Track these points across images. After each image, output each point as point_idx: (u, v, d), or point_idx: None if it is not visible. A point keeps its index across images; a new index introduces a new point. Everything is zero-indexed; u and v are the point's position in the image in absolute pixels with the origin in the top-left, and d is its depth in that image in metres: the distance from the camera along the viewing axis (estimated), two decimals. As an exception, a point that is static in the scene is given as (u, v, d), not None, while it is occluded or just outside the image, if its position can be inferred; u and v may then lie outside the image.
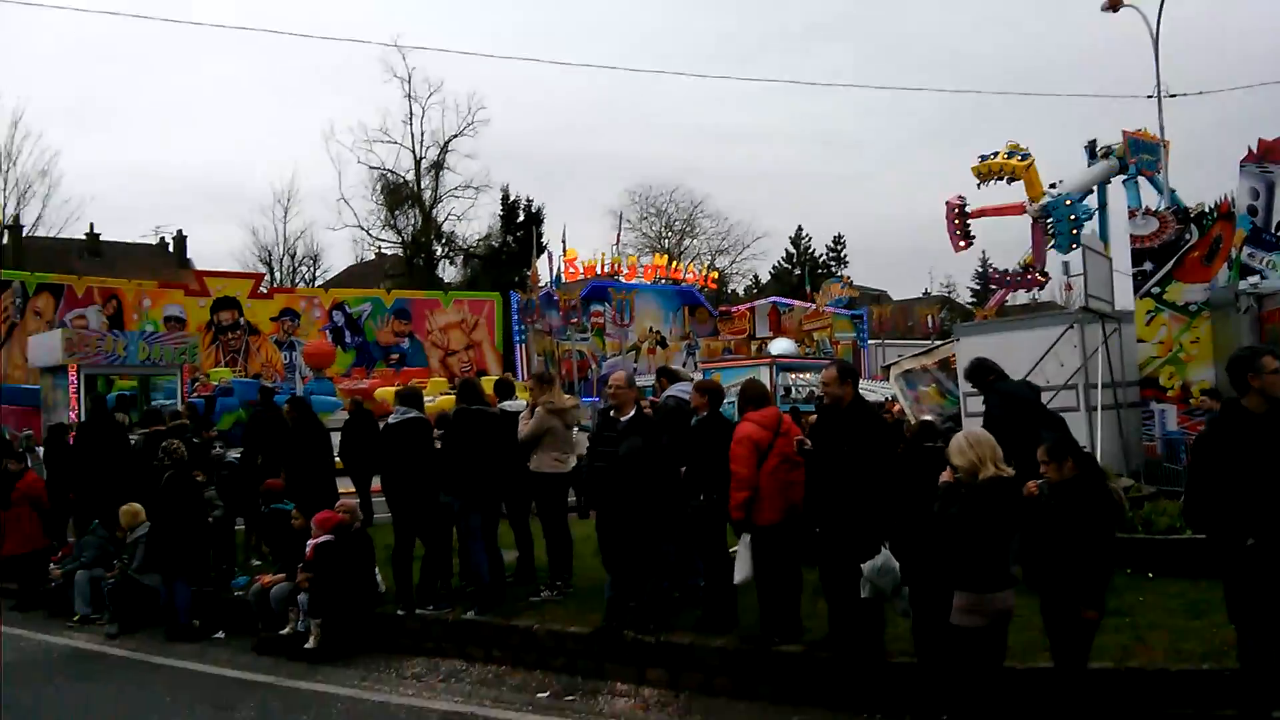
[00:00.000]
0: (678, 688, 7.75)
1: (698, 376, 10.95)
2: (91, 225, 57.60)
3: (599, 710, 7.53)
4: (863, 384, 8.34)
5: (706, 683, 7.67)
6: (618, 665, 8.12)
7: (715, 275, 45.46)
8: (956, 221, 24.64)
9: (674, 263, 43.25)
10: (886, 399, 18.87)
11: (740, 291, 61.12)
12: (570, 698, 7.84)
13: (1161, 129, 24.74)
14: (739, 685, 7.54)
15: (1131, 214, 15.16)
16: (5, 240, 44.93)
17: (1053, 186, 24.48)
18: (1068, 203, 23.01)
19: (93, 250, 56.51)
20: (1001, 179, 23.87)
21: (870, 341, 35.42)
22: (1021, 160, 23.66)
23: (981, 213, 25.13)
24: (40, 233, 47.32)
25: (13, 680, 9.44)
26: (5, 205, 45.58)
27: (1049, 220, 22.96)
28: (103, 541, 12.01)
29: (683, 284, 39.70)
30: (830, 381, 7.28)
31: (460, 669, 8.79)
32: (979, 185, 24.25)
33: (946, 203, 25.11)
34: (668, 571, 8.87)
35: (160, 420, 13.58)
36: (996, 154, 24.08)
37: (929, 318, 37.86)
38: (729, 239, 62.15)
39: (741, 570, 7.76)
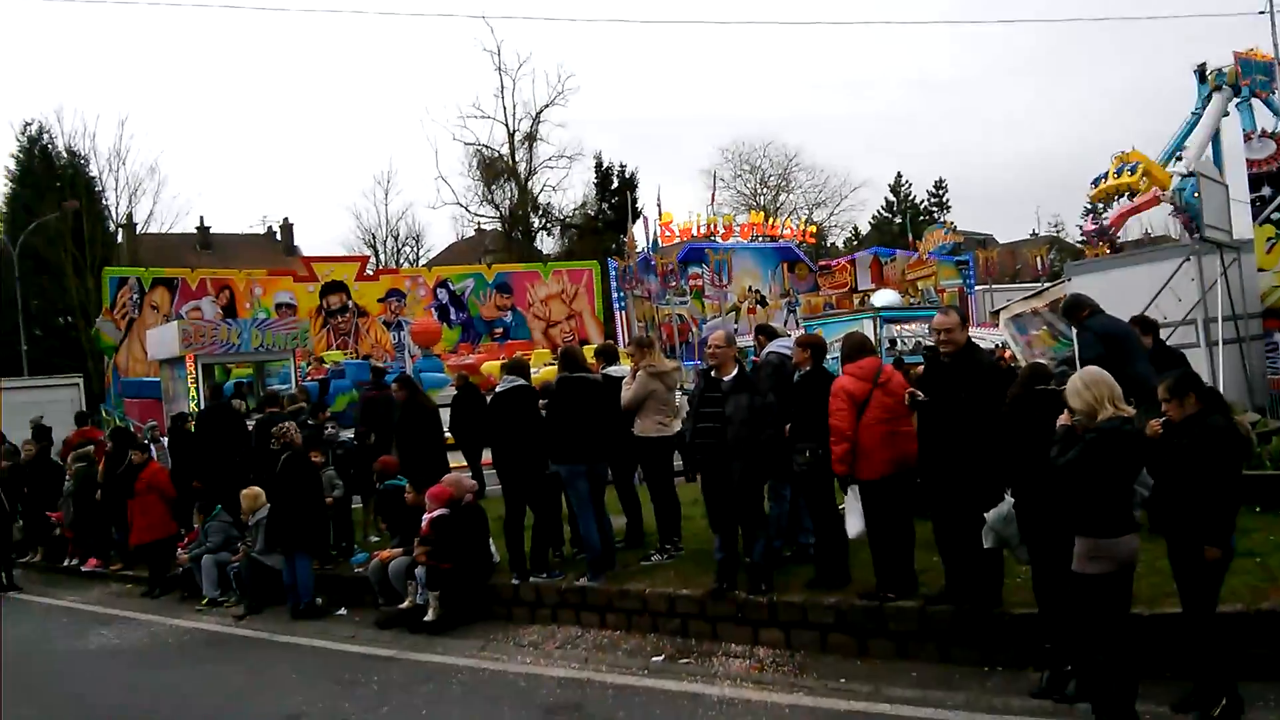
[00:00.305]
0: (792, 647, 7.65)
1: (798, 333, 10.76)
2: (201, 218, 59.46)
3: (714, 672, 7.48)
4: (972, 331, 8.04)
5: (821, 641, 7.56)
6: (731, 626, 8.05)
7: (813, 229, 44.79)
8: (1103, 244, 23.35)
9: (770, 219, 42.73)
10: (997, 345, 18.34)
11: (839, 244, 60.23)
12: (685, 660, 7.80)
13: (1276, 47, 23.38)
14: (854, 643, 7.41)
15: (1247, 137, 14.40)
16: (121, 238, 46.56)
17: (1177, 159, 23.21)
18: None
19: (204, 243, 58.31)
20: (1121, 196, 22.63)
21: (977, 287, 34.50)
22: (1132, 173, 22.30)
23: (1122, 219, 23.89)
24: (152, 229, 48.96)
25: (147, 663, 9.84)
26: (118, 204, 47.23)
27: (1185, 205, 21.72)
28: (226, 526, 12.37)
29: (780, 240, 39.21)
30: (954, 327, 7.03)
31: (575, 635, 8.82)
32: (1103, 210, 23.01)
33: (1083, 230, 23.92)
34: (777, 530, 8.76)
35: (278, 404, 13.92)
36: (1106, 175, 22.82)
37: (1038, 259, 36.58)
38: (825, 191, 61.21)
39: (854, 525, 7.61)
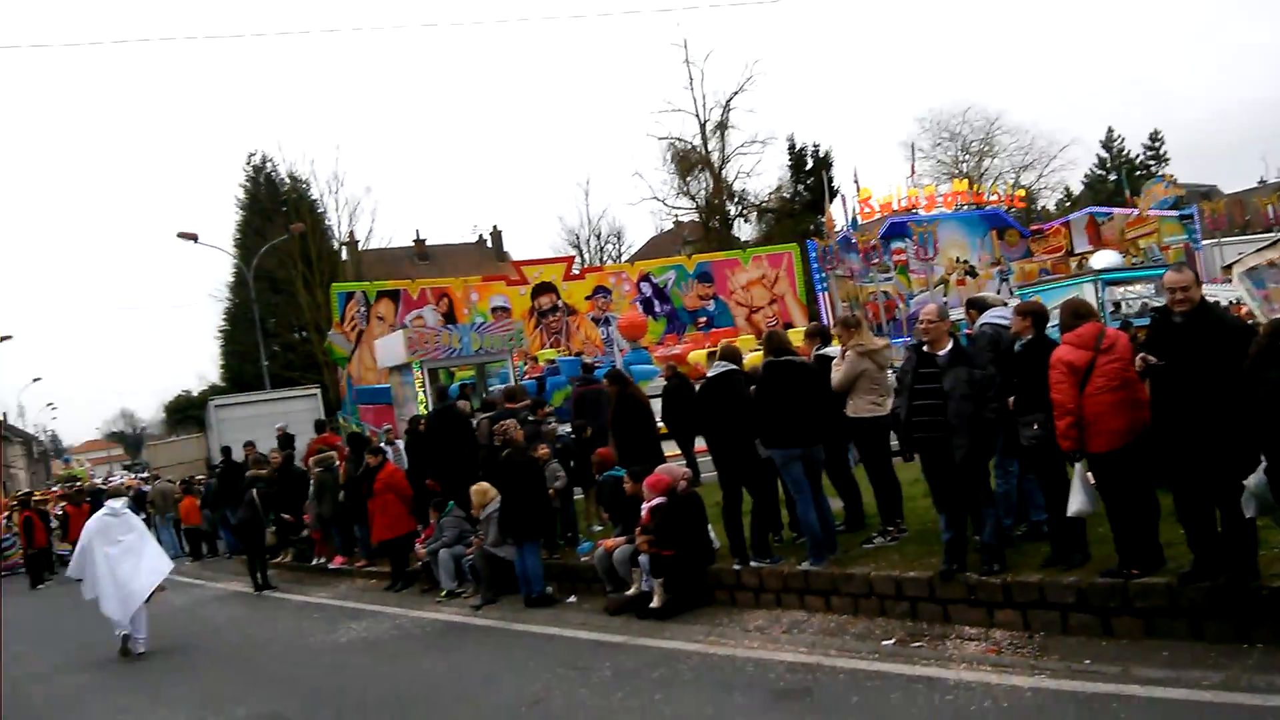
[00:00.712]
0: (1030, 628, 7.33)
1: (1014, 302, 10.29)
2: (417, 231, 62.05)
3: (948, 655, 7.26)
4: (1204, 288, 7.48)
5: (1062, 621, 7.21)
6: (963, 608, 7.79)
7: (1022, 193, 42.89)
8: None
9: (975, 186, 41.19)
10: (1232, 302, 17.10)
11: (1051, 207, 57.50)
12: (917, 644, 7.61)
13: None
14: (1098, 622, 7.04)
15: None
16: (344, 255, 49.24)
17: None
18: None
19: (421, 254, 60.95)
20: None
21: (1204, 241, 32.23)
22: None
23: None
24: (373, 244, 51.56)
25: (396, 653, 10.37)
26: (340, 223, 49.96)
27: None
28: (459, 521, 12.90)
29: (987, 207, 37.74)
30: (1189, 284, 6.59)
31: (801, 620, 8.75)
32: None
33: None
34: (1007, 507, 8.43)
35: (501, 404, 14.44)
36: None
37: (1269, 208, 33.86)
38: (1032, 153, 58.46)
39: (1075, 502, 7.24)
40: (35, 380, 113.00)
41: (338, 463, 15.77)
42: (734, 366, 9.91)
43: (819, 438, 9.51)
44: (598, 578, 10.88)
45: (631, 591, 10.21)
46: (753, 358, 13.77)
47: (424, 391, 19.66)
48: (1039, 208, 55.42)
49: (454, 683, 8.86)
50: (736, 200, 52.17)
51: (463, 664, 9.47)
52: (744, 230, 52.85)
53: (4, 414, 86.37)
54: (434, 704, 8.26)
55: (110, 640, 12.58)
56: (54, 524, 25.89)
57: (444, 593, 12.56)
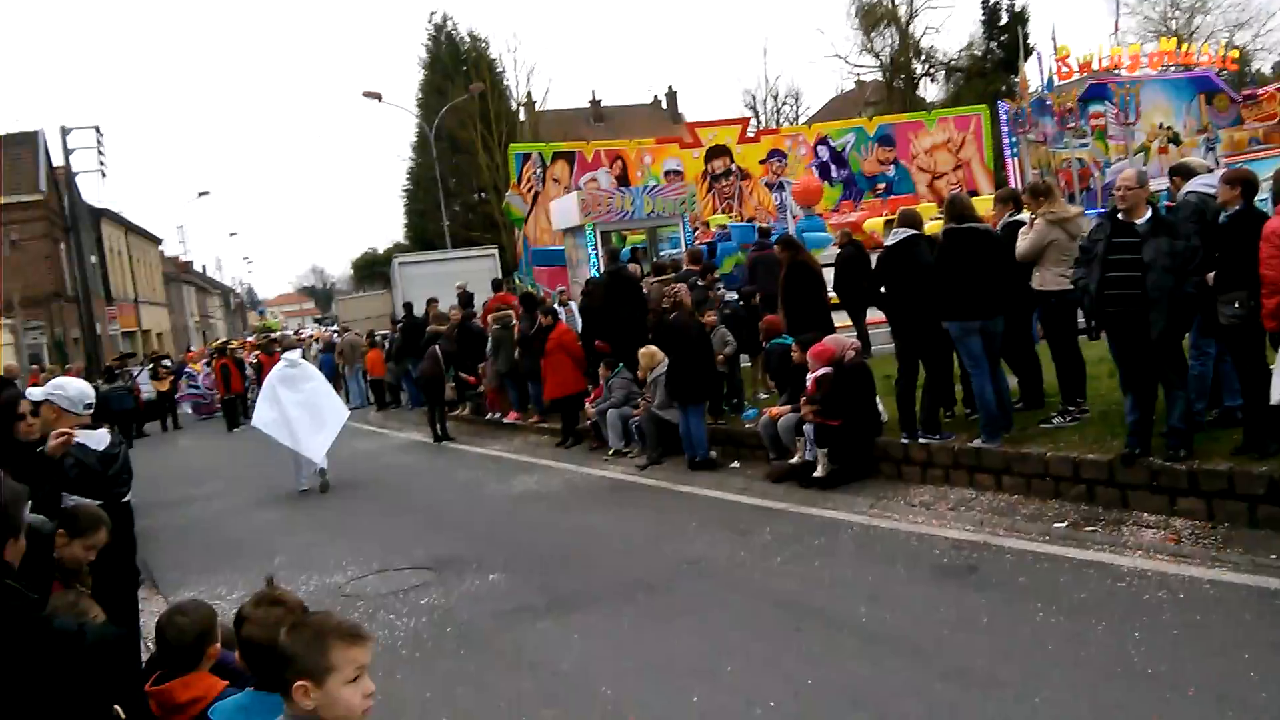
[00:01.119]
0: (1214, 519, 6.94)
1: (1220, 170, 9.48)
2: (593, 92, 61.81)
3: (1123, 542, 6.97)
4: None
5: (1249, 514, 6.79)
6: (1144, 495, 7.42)
7: (1235, 55, 39.40)
8: None
9: (1184, 46, 38.03)
10: None
11: (1266, 70, 52.73)
12: (1090, 528, 7.33)
13: None
14: (1292, 515, 6.61)
15: None
16: (522, 116, 49.55)
17: None
18: None
19: (597, 116, 60.82)
20: None
21: None
22: None
23: None
24: (550, 106, 51.69)
25: (566, 506, 10.71)
26: (518, 84, 50.16)
27: None
28: (628, 383, 13.06)
29: (1196, 69, 34.88)
30: None
31: (969, 497, 8.55)
32: None
33: None
34: (1199, 391, 7.93)
35: (670, 269, 14.43)
36: None
37: None
38: (1249, 10, 53.58)
39: (1278, 389, 6.73)
40: (232, 235, 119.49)
41: (514, 321, 16.12)
42: (916, 232, 9.52)
43: (1000, 310, 9.08)
44: (761, 445, 10.88)
45: (795, 460, 10.17)
46: (932, 226, 13.28)
47: (596, 254, 19.79)
48: (1253, 71, 50.90)
49: (618, 537, 9.09)
50: (923, 58, 49.84)
51: (627, 520, 9.71)
52: (930, 91, 50.62)
53: (204, 266, 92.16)
54: (598, 556, 8.50)
55: (295, 481, 13.69)
56: (249, 372, 27.49)
57: (611, 451, 12.84)
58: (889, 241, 9.67)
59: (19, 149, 38.31)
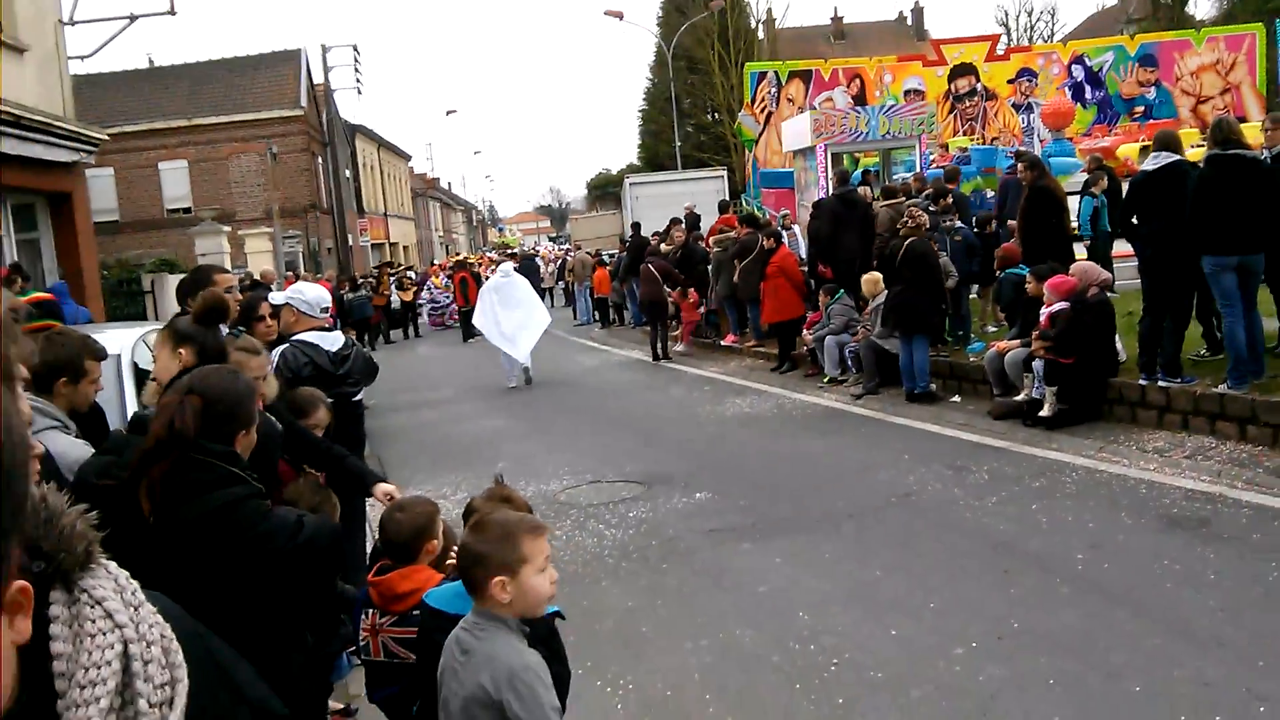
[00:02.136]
0: None
1: None
2: (835, 9, 60.12)
3: (1385, 503, 6.36)
4: None
5: None
6: None
7: None
8: None
9: None
10: None
11: None
12: (1347, 487, 6.72)
13: None
14: None
15: None
16: (761, 34, 48.72)
17: None
18: None
19: (838, 33, 59.21)
20: None
21: None
22: None
23: None
24: (790, 23, 50.59)
25: (777, 431, 10.70)
26: (759, 1, 49.25)
27: None
28: (848, 309, 12.82)
29: None
30: None
31: (1208, 446, 7.99)
32: None
33: None
34: None
35: (895, 195, 13.97)
36: None
37: None
38: None
39: None
40: (476, 154, 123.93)
41: (733, 241, 16.06)
42: (1178, 157, 8.79)
43: (1261, 246, 8.33)
44: (985, 379, 10.52)
45: (1021, 397, 9.77)
46: (1193, 155, 12.22)
47: (825, 176, 19.37)
48: None
49: (828, 465, 9.03)
50: (1199, -30, 45.71)
51: (838, 448, 9.62)
52: (1201, 6, 46.63)
53: (449, 183, 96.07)
54: (806, 482, 8.46)
55: (515, 389, 14.80)
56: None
57: (827, 378, 12.69)
58: (1146, 166, 8.99)
59: (282, 66, 40.60)
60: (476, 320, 16.27)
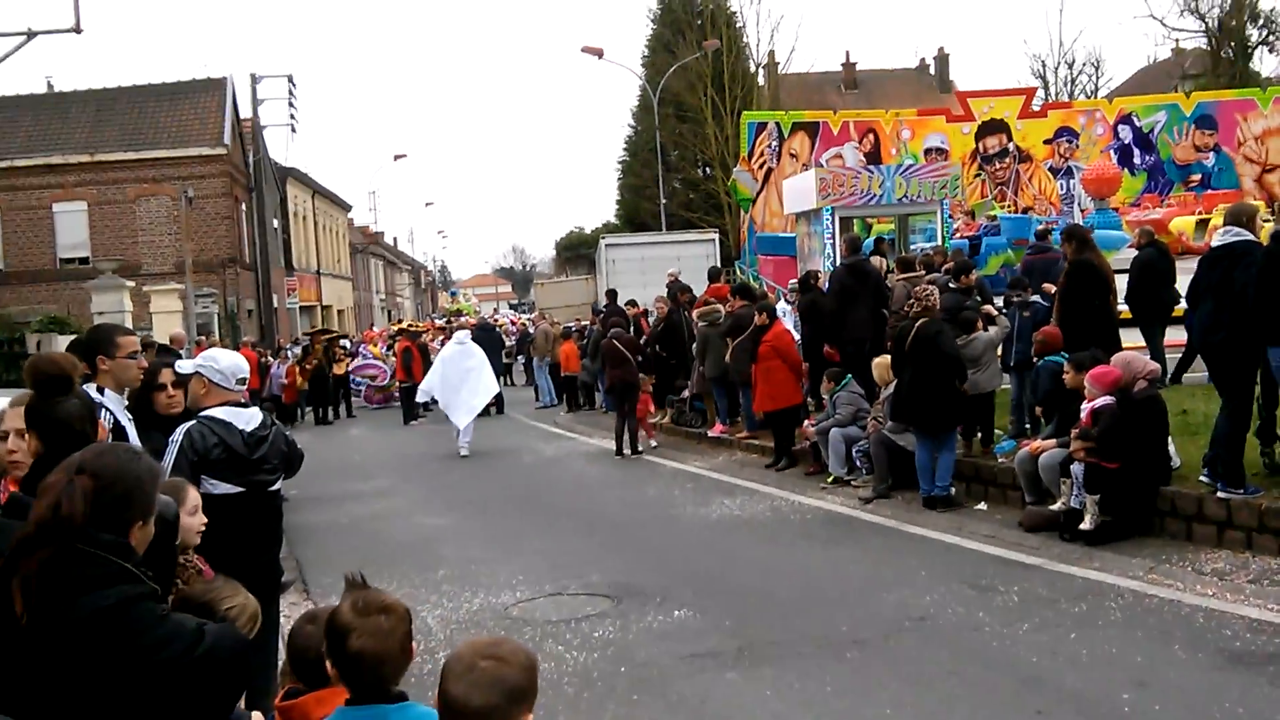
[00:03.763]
0: None
1: None
2: (847, 54, 61.30)
3: None
4: None
5: None
6: None
7: None
8: None
9: None
10: None
11: None
12: None
13: None
14: None
15: None
16: (762, 79, 49.60)
17: None
18: None
19: (849, 82, 60.37)
20: None
21: None
22: None
23: None
24: (794, 68, 51.52)
25: (769, 539, 10.69)
26: (759, 42, 50.22)
27: None
28: (856, 398, 12.89)
29: None
30: None
31: (1275, 569, 8.03)
32: None
33: None
34: None
35: (912, 267, 14.16)
36: None
37: None
38: None
39: None
40: (427, 205, 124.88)
41: (721, 316, 16.16)
42: (1250, 236, 8.93)
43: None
44: (1015, 484, 10.57)
45: (1057, 506, 9.80)
46: (1264, 231, 12.47)
47: (832, 244, 19.60)
48: None
49: (830, 580, 8.99)
50: (1261, 22, 46.96)
51: (843, 561, 9.60)
52: (1267, 63, 47.79)
53: (394, 239, 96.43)
54: (805, 600, 8.41)
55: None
56: (434, 358, 28.53)
57: (831, 478, 12.72)
58: (1215, 242, 9.13)
59: (203, 96, 40.65)
60: (425, 383, 19.30)
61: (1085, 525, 9.29)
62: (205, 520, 4.58)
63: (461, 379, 18.20)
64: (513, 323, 43.75)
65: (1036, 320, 12.50)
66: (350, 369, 30.52)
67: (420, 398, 21.32)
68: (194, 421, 5.74)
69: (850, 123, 33.62)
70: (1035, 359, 11.70)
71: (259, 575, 4.99)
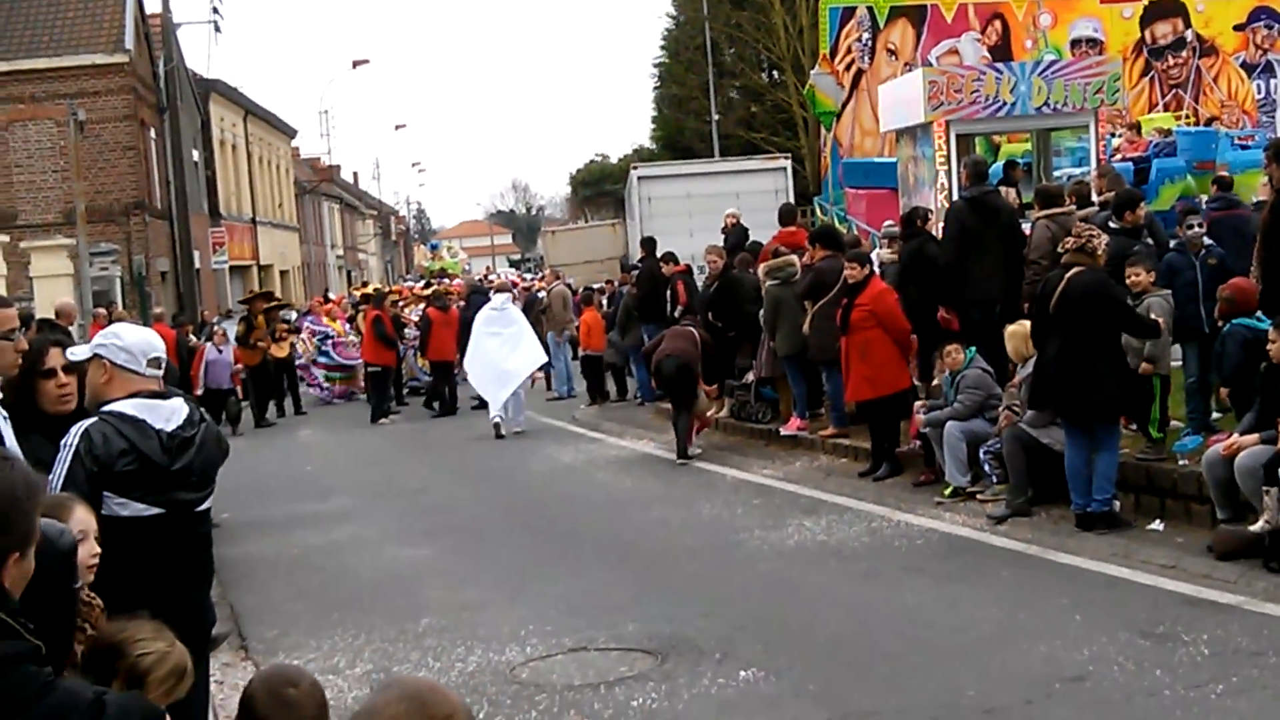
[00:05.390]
0: None
1: None
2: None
3: None
4: None
5: None
6: None
7: None
8: None
9: None
10: None
11: None
12: None
13: None
14: None
15: None
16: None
17: None
18: None
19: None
20: None
21: None
22: None
23: None
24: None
25: (865, 573, 10.66)
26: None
27: None
28: (984, 381, 12.76)
29: None
30: None
31: None
32: None
33: None
34: None
35: (1058, 200, 14.01)
36: None
37: None
38: None
39: None
40: (398, 129, 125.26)
41: (798, 272, 16.07)
42: None
43: None
44: (1203, 495, 10.51)
45: (1259, 525, 9.69)
46: None
47: (948, 169, 19.46)
48: None
49: (949, 629, 8.96)
50: None
51: (967, 602, 9.56)
52: None
53: (354, 174, 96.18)
54: (917, 655, 8.39)
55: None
56: (410, 334, 28.48)
57: (949, 489, 12.68)
58: None
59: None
60: (470, 364, 22.26)
61: (1299, 549, 9.22)
62: (98, 551, 4.54)
63: (496, 351, 21.03)
64: (515, 284, 43.74)
65: (1221, 271, 12.37)
66: (310, 355, 30.32)
67: (474, 385, 22.82)
68: (94, 420, 5.72)
69: (970, 5, 33.33)
70: (1219, 322, 11.57)
71: (183, 624, 4.98)
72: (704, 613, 9.75)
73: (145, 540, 5.43)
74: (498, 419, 20.73)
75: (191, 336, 26.53)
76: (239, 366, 25.87)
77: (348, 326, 31.36)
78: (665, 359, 16.81)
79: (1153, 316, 11.60)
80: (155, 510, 5.53)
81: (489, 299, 27.89)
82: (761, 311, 16.87)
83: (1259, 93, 32.15)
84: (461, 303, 26.74)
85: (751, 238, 21.03)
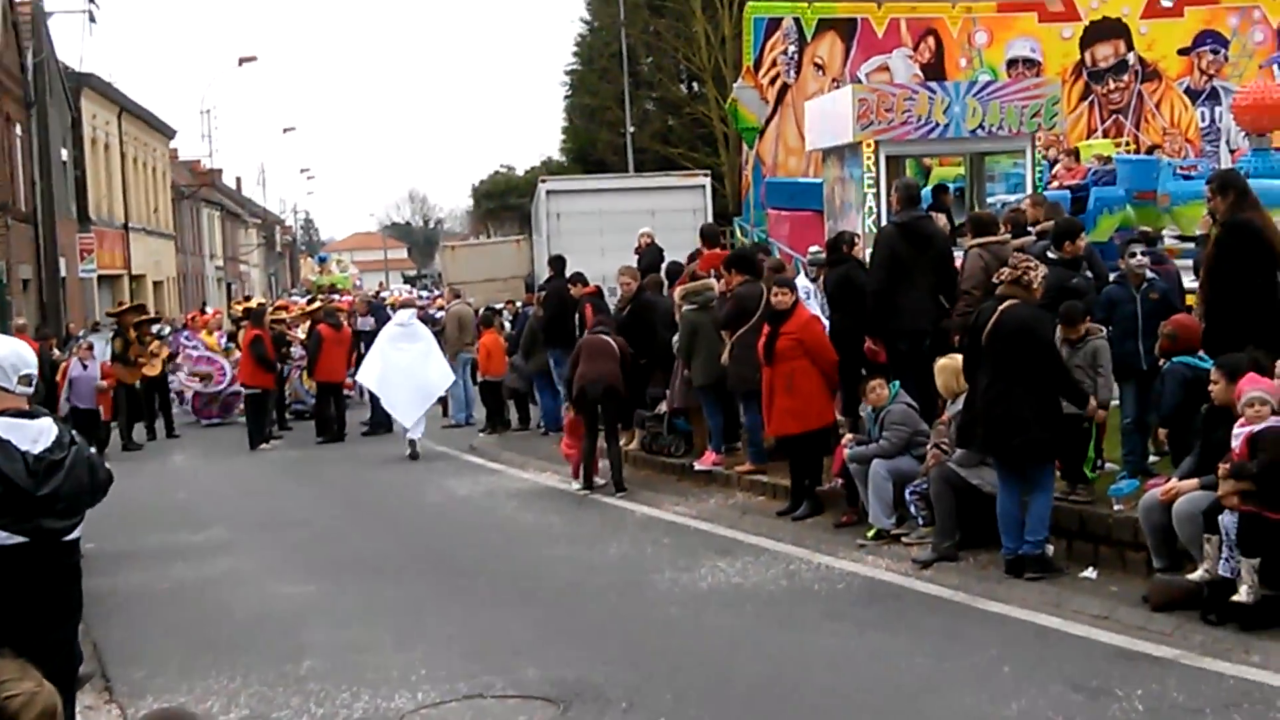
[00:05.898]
0: None
1: None
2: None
3: None
4: None
5: None
6: None
7: None
8: None
9: None
10: None
11: None
12: None
13: None
14: None
15: None
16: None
17: None
18: None
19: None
20: None
21: None
22: None
23: None
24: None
25: (782, 619, 10.69)
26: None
27: None
28: (909, 415, 12.88)
29: None
30: None
31: None
32: None
33: None
34: None
35: (991, 229, 14.15)
36: None
37: None
38: None
39: None
40: (287, 131, 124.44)
41: (715, 296, 16.11)
42: None
43: None
44: (1139, 542, 10.63)
45: (1197, 575, 9.84)
46: None
47: (875, 193, 19.62)
48: None
49: (872, 679, 9.01)
50: None
51: (890, 651, 9.61)
52: None
53: (238, 179, 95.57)
54: (834, 709, 8.47)
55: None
56: (295, 352, 28.34)
57: (872, 530, 12.76)
58: None
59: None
60: (361, 373, 23.40)
61: (1240, 597, 9.32)
62: None
63: (407, 368, 21.64)
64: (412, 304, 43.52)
65: (1163, 305, 12.54)
66: (172, 367, 30.04)
67: (373, 387, 23.14)
68: (-49, 443, 5.67)
69: (902, 20, 33.59)
70: (1159, 360, 11.72)
71: (49, 662, 4.94)
72: (610, 658, 9.76)
73: (8, 571, 5.38)
74: (415, 438, 21.75)
75: (55, 350, 26.20)
76: (105, 384, 25.26)
77: (224, 341, 31.11)
78: (590, 384, 16.58)
79: (1099, 365, 11.79)
80: (18, 539, 5.48)
81: (390, 316, 27.93)
82: (676, 338, 16.90)
83: (1203, 120, 32.63)
84: (361, 319, 27.47)
85: (669, 259, 21.02)
